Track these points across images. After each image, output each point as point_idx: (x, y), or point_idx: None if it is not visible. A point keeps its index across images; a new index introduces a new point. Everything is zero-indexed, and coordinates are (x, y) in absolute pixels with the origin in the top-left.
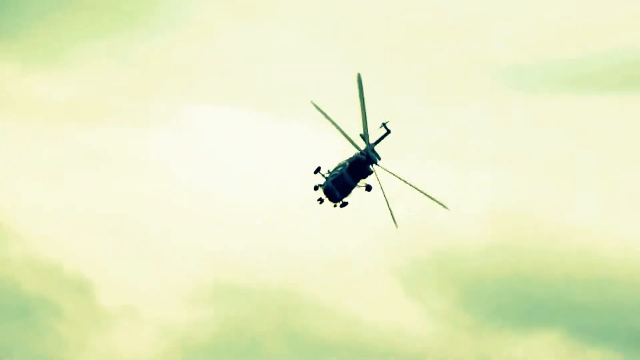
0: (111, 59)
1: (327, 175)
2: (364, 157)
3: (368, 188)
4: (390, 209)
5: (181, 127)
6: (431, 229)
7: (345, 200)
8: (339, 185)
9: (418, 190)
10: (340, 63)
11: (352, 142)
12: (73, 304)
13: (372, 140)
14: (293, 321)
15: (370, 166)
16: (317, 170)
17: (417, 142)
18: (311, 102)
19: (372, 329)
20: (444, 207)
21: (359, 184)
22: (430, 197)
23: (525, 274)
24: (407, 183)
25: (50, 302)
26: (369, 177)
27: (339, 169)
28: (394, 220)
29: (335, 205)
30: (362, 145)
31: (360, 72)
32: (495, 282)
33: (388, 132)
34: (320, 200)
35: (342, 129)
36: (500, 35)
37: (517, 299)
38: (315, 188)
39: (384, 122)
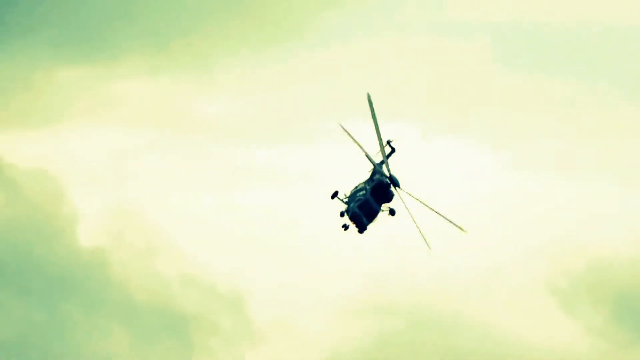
0: (269, 76)
1: (346, 200)
2: (386, 181)
3: (392, 212)
4: (421, 232)
5: (340, 144)
6: (585, 244)
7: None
8: (366, 211)
9: (438, 213)
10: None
11: (374, 164)
12: (228, 321)
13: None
14: (446, 338)
15: (393, 189)
16: (335, 194)
17: (569, 156)
18: (338, 124)
19: (527, 346)
20: (462, 230)
21: (382, 208)
22: (449, 221)
23: None
24: (427, 206)
25: (206, 319)
26: (392, 200)
27: (360, 193)
28: (427, 243)
29: (361, 232)
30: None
31: (369, 92)
32: None
33: (393, 150)
34: (345, 227)
35: (368, 152)
36: None
37: None
38: (342, 214)
39: (389, 140)
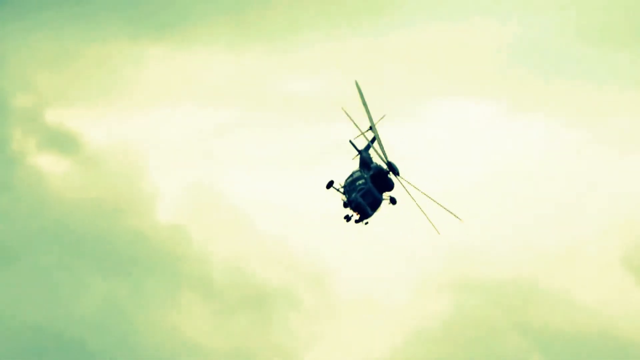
0: (353, 52)
1: (342, 190)
2: (384, 169)
3: (393, 201)
4: (427, 217)
5: (423, 119)
6: None
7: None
8: (369, 200)
9: (435, 201)
10: None
11: (358, 151)
12: (309, 296)
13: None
14: (526, 313)
15: (392, 178)
16: (330, 184)
17: None
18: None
19: (606, 320)
20: (458, 218)
21: (383, 197)
22: (445, 209)
23: None
24: (426, 195)
25: (286, 294)
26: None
27: (359, 182)
28: (435, 228)
29: (366, 223)
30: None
31: (357, 79)
32: None
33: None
34: (348, 218)
35: (372, 115)
36: None
37: None
38: (345, 205)
39: (370, 125)
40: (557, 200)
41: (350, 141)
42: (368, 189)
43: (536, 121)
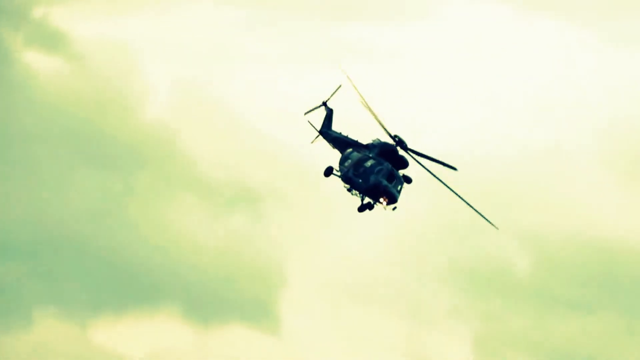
0: None
1: (344, 177)
2: (391, 144)
3: (408, 180)
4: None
5: (436, 20)
6: None
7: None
8: (395, 182)
9: (433, 174)
10: None
11: (317, 131)
12: (299, 194)
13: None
14: (514, 211)
15: (401, 153)
16: (329, 170)
17: None
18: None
19: (587, 220)
20: (453, 168)
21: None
22: (446, 185)
23: None
24: (426, 168)
25: (276, 193)
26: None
27: (368, 163)
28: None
29: (394, 208)
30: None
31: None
32: None
33: (331, 111)
34: (370, 207)
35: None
36: None
37: None
38: (362, 196)
39: (324, 100)
40: (555, 100)
41: (309, 122)
42: (390, 170)
43: (546, 22)
